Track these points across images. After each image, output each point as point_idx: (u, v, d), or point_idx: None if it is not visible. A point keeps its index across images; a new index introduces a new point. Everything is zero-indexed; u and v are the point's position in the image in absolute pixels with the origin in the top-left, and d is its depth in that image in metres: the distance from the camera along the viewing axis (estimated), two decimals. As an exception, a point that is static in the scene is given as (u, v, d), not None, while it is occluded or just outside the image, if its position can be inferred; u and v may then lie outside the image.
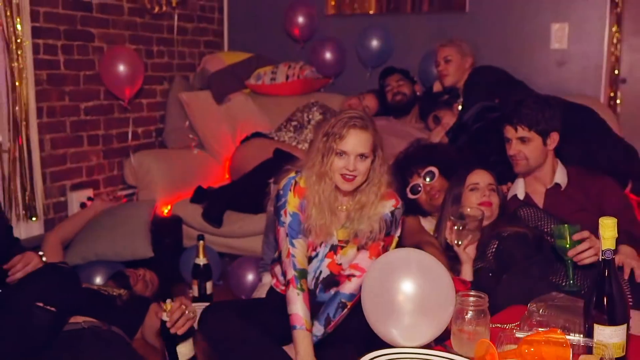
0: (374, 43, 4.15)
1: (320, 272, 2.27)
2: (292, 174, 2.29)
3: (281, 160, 3.42)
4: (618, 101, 5.00)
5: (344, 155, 2.13)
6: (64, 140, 3.48)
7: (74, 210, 3.49)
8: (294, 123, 3.94)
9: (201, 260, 3.20)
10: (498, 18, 3.93)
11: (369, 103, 3.93)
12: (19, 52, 3.06)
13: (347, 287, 2.19)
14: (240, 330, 2.09)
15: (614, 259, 1.57)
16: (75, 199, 3.52)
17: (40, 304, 2.12)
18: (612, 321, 1.53)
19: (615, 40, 4.86)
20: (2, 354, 2.06)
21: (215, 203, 3.54)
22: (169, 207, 3.70)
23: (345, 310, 2.18)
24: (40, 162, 3.24)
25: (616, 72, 4.94)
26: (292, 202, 2.23)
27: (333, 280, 2.26)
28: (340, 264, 2.25)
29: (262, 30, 4.57)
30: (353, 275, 2.20)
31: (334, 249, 2.25)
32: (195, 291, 3.21)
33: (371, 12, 4.34)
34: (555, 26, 3.84)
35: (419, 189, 2.84)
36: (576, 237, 2.15)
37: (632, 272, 2.21)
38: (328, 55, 4.21)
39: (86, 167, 3.63)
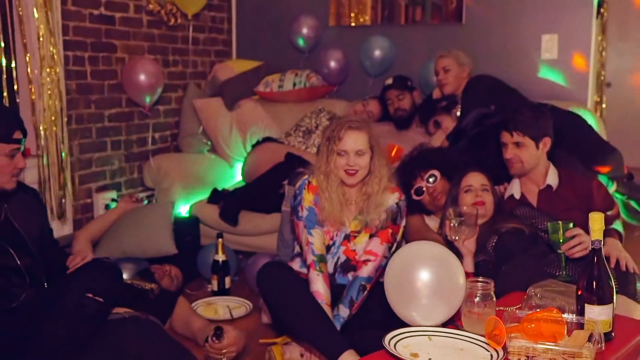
0: (376, 52, 4.40)
1: (338, 257, 2.59)
2: (306, 176, 2.62)
3: (293, 163, 3.71)
4: (604, 105, 5.31)
5: (344, 154, 2.49)
6: (90, 146, 3.73)
7: (100, 210, 3.72)
8: (302, 128, 4.20)
9: (220, 257, 3.45)
10: (492, 29, 4.19)
11: (373, 109, 4.16)
12: (53, 64, 3.29)
13: (365, 271, 2.50)
14: (298, 287, 2.40)
15: (602, 248, 1.84)
16: (100, 200, 3.76)
17: (90, 295, 2.35)
18: (600, 301, 1.81)
19: (601, 48, 5.17)
20: (57, 340, 2.27)
21: (231, 204, 3.78)
22: (188, 208, 3.95)
23: (365, 292, 2.47)
24: (70, 166, 3.47)
25: (602, 77, 5.25)
26: (307, 198, 2.58)
27: (350, 265, 2.59)
28: (354, 250, 2.58)
29: (268, 40, 4.81)
30: (369, 260, 2.52)
31: (347, 237, 2.59)
32: (214, 285, 3.46)
33: (366, 22, 4.59)
34: (546, 37, 4.12)
35: (423, 190, 3.09)
36: (568, 233, 2.43)
37: (617, 261, 2.50)
38: (332, 64, 4.45)
39: (109, 170, 3.87)
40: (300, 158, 3.80)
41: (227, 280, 3.47)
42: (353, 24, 4.62)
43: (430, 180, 3.09)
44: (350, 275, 2.57)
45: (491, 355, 1.72)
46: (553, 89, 4.08)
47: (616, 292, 1.88)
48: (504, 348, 1.72)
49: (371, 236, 2.58)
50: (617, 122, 5.59)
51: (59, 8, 3.36)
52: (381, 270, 2.49)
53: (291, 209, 2.72)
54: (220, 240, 3.45)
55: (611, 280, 1.83)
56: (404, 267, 1.96)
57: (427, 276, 1.92)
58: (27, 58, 3.25)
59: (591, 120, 3.71)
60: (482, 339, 1.79)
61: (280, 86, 4.51)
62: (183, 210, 3.95)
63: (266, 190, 3.71)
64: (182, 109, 4.41)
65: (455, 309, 1.93)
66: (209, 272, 3.51)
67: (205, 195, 3.98)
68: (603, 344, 1.74)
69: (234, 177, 4.43)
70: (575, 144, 3.22)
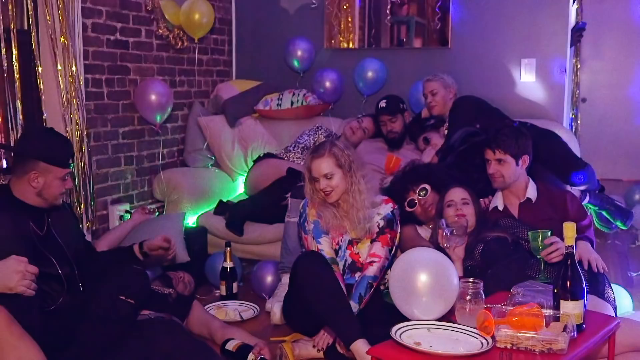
0: (369, 74, 4.73)
1: (345, 260, 2.99)
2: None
3: (294, 178, 4.01)
4: (579, 121, 5.70)
5: (316, 180, 2.91)
6: (106, 161, 4.01)
7: (114, 221, 4.00)
8: (301, 145, 4.51)
9: (228, 264, 3.73)
10: (476, 54, 4.54)
11: (368, 125, 4.47)
12: (75, 87, 3.58)
13: (371, 271, 2.89)
14: (330, 276, 2.75)
15: (574, 253, 2.18)
16: (115, 212, 4.04)
17: (122, 297, 2.60)
18: (573, 297, 2.14)
19: (575, 69, 5.57)
20: (92, 338, 2.53)
21: (236, 215, 4.07)
22: (195, 219, 4.24)
23: (372, 289, 2.85)
24: (91, 180, 3.75)
25: (577, 95, 5.64)
26: (311, 214, 3.00)
27: (356, 267, 2.98)
28: (358, 253, 2.98)
29: (266, 61, 5.13)
30: (374, 262, 2.90)
31: (351, 242, 2.99)
32: (223, 291, 3.74)
33: (355, 44, 4.93)
34: (525, 61, 4.49)
35: (415, 202, 3.41)
36: (547, 241, 2.76)
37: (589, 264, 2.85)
38: (327, 84, 4.76)
39: (123, 184, 4.16)
40: (301, 172, 4.10)
41: (235, 285, 3.75)
42: (345, 46, 4.96)
43: (422, 193, 3.42)
44: (357, 276, 2.93)
45: (482, 343, 2.04)
46: (532, 108, 4.43)
47: (587, 292, 2.21)
48: (493, 337, 2.04)
49: (372, 241, 2.96)
50: (591, 135, 5.92)
51: (80, 35, 3.65)
52: (384, 270, 2.89)
53: (298, 227, 3.13)
54: (228, 248, 3.73)
55: (582, 281, 2.17)
56: (406, 270, 2.29)
57: (426, 278, 2.25)
58: (60, 82, 3.54)
59: (566, 135, 4.06)
60: (474, 330, 2.11)
61: (279, 104, 4.82)
62: (190, 220, 4.24)
63: (270, 202, 4.00)
64: (188, 126, 4.71)
65: (450, 305, 2.26)
66: (216, 278, 3.78)
67: (210, 206, 4.27)
68: (575, 333, 2.07)
69: (236, 190, 4.73)
70: (551, 161, 3.57)
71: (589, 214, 3.37)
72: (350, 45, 4.96)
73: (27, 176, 2.58)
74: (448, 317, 2.30)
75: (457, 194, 3.17)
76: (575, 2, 5.09)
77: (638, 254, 4.39)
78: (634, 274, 4.02)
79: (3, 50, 3.36)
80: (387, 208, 3.00)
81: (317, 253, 2.91)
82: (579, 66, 5.73)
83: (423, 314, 2.23)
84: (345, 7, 4.93)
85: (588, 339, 2.14)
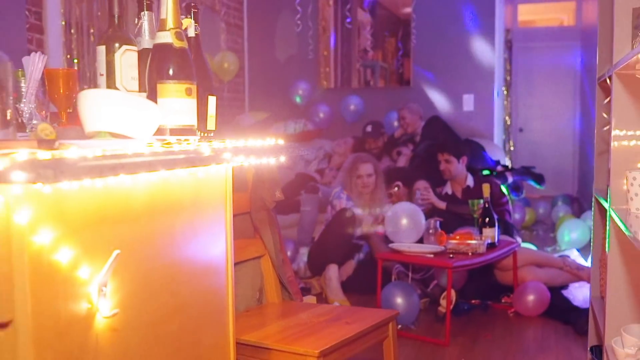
0: (352, 107, 6.41)
1: None
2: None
3: (302, 180, 5.61)
4: (511, 142, 7.47)
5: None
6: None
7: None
8: (304, 159, 6.14)
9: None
10: (431, 90, 6.28)
11: (350, 144, 6.14)
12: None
13: None
14: None
15: (490, 204, 3.84)
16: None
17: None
18: (490, 226, 3.78)
19: (506, 102, 7.37)
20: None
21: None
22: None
23: None
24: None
25: (508, 123, 7.41)
26: None
27: None
28: None
29: (273, 97, 6.76)
30: None
31: None
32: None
33: (330, 84, 6.62)
34: (465, 96, 6.22)
35: (392, 194, 5.05)
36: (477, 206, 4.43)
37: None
38: (321, 115, 6.43)
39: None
40: (307, 175, 5.71)
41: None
42: (333, 86, 6.65)
43: (396, 189, 5.06)
44: None
45: (439, 249, 3.66)
46: (473, 129, 6.16)
47: (497, 226, 3.87)
48: (445, 246, 3.66)
49: None
50: (528, 158, 7.65)
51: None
52: None
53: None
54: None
55: (494, 218, 3.82)
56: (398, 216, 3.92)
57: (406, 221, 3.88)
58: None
59: (498, 150, 5.80)
60: (436, 245, 3.74)
61: (285, 130, 6.44)
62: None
63: (286, 198, 5.58)
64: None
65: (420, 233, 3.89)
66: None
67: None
68: (488, 242, 3.72)
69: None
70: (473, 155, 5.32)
71: (504, 194, 5.08)
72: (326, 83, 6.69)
73: None
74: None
75: (421, 185, 4.82)
76: (504, 53, 6.91)
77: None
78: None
79: None
80: None
81: None
82: (509, 99, 7.52)
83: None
84: (325, 53, 6.62)
85: (498, 249, 3.79)
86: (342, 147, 6.09)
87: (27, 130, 1.42)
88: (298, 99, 6.55)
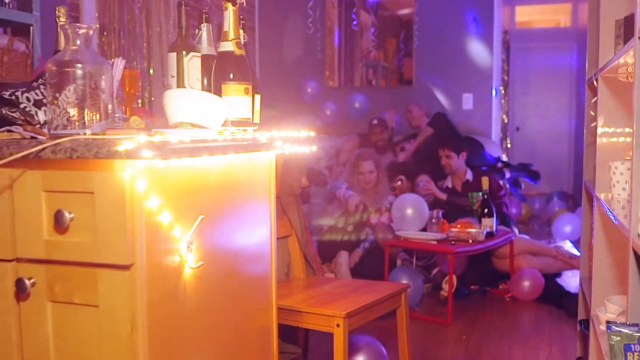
0: (357, 105, 6.72)
1: None
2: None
3: (312, 175, 5.93)
4: (508, 140, 7.79)
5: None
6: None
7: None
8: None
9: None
10: (432, 90, 6.60)
11: (356, 140, 6.45)
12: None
13: None
14: None
15: (489, 196, 4.16)
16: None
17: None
18: (488, 216, 4.10)
19: (503, 102, 7.68)
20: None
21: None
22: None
23: None
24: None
25: (506, 122, 7.73)
26: None
27: None
28: None
29: (282, 95, 7.05)
30: None
31: None
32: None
33: (334, 84, 6.93)
34: (465, 95, 6.53)
35: (395, 188, 5.36)
36: (476, 198, 4.74)
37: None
38: (328, 112, 6.73)
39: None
40: (317, 170, 6.03)
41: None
42: (337, 85, 6.97)
43: (399, 182, 5.37)
44: None
45: (441, 236, 3.97)
46: (472, 127, 6.47)
47: (495, 216, 4.18)
48: (447, 234, 3.98)
49: None
50: (525, 155, 7.94)
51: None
52: None
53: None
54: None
55: (492, 209, 4.14)
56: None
57: (411, 211, 4.19)
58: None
59: (496, 148, 6.12)
60: (438, 233, 4.05)
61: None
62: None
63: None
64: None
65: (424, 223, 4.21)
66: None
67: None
68: (487, 230, 4.04)
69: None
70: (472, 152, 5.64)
71: (502, 186, 5.40)
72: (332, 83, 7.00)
73: None
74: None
75: (424, 178, 5.14)
76: (502, 53, 7.23)
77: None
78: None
79: None
80: None
81: None
82: (507, 98, 7.83)
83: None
84: (330, 53, 6.94)
85: (497, 238, 4.11)
86: (349, 144, 6.39)
87: (115, 122, 1.72)
88: (307, 98, 6.87)
